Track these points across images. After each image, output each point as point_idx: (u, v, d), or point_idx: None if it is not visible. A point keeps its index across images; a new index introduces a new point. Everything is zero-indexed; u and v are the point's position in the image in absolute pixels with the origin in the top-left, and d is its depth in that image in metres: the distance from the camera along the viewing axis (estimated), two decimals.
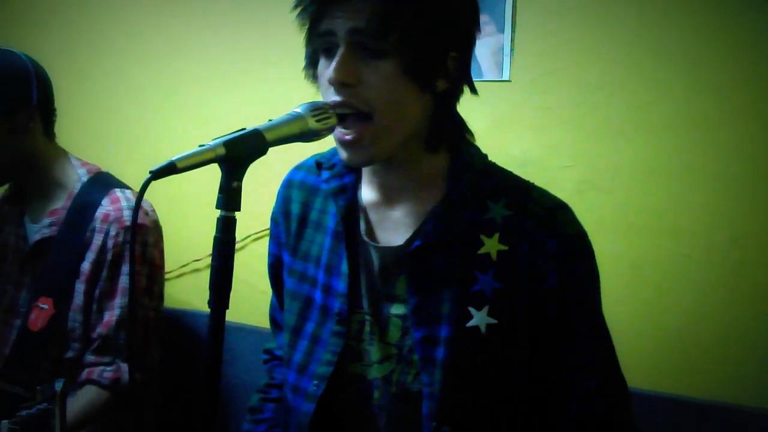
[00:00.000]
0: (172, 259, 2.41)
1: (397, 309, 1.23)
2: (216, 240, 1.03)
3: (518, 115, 1.96)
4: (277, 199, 1.42)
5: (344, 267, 1.26)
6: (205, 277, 2.38)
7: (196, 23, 2.45)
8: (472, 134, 1.28)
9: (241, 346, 2.21)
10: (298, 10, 1.18)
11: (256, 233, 2.33)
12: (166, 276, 2.44)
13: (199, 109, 2.45)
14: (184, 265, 2.44)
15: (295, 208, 1.37)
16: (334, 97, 1.13)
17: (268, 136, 1.06)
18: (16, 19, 2.79)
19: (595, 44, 1.88)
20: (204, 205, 2.35)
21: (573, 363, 1.18)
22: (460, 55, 1.18)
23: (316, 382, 1.25)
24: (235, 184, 1.02)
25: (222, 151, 1.00)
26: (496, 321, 1.16)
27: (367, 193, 1.29)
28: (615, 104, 1.87)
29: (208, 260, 2.38)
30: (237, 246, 2.30)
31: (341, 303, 1.25)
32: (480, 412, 1.17)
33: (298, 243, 1.35)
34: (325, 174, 1.32)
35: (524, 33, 1.94)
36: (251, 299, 2.29)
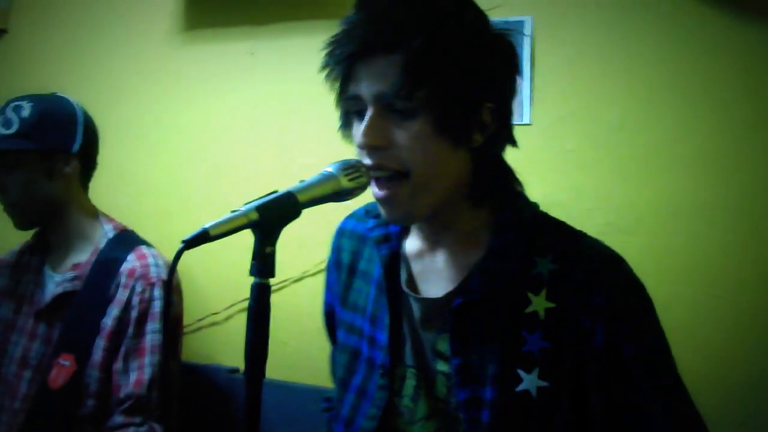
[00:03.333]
0: (189, 313, 2.39)
1: (441, 366, 1.18)
2: (250, 308, 1.01)
3: (540, 159, 1.94)
4: (331, 248, 1.40)
5: (386, 318, 1.22)
6: (223, 330, 2.37)
7: (210, 76, 2.45)
8: (520, 183, 1.23)
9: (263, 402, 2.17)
10: (326, 72, 1.15)
11: (280, 282, 2.30)
12: (184, 330, 2.41)
13: (215, 161, 2.44)
14: (200, 319, 2.40)
15: (345, 258, 1.35)
16: (366, 160, 1.11)
17: (301, 198, 1.04)
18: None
19: (614, 85, 1.87)
20: (219, 258, 2.34)
21: (646, 428, 1.09)
22: (496, 105, 1.14)
23: None
24: (268, 249, 1.00)
25: (255, 216, 0.98)
26: (547, 383, 1.09)
27: (411, 243, 1.26)
28: (636, 144, 1.85)
29: (226, 314, 2.36)
30: None
31: (384, 355, 1.22)
32: None
33: (347, 293, 1.33)
34: (371, 222, 1.30)
35: (543, 76, 1.93)
36: (271, 352, 2.27)
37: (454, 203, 1.16)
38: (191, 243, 0.93)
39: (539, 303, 1.11)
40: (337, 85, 1.15)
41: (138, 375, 1.79)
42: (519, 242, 1.15)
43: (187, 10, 2.47)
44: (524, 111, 1.91)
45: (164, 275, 1.88)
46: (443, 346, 1.17)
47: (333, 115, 2.19)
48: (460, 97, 1.09)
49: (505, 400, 1.10)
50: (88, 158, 1.96)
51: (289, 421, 2.12)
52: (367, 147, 1.10)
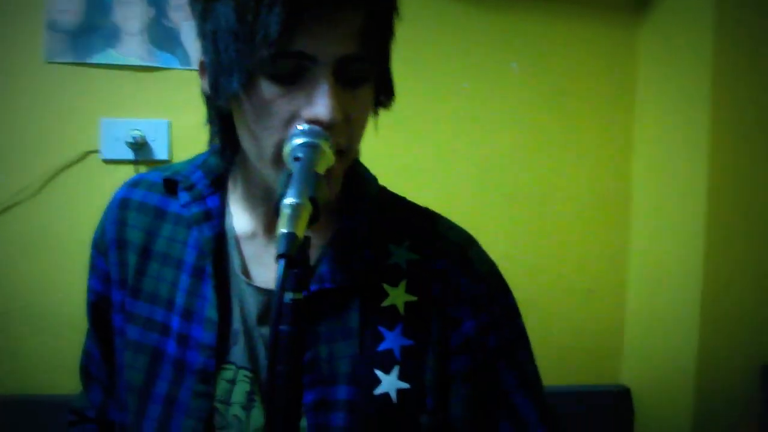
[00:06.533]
0: None
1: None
2: (284, 334, 0.74)
3: None
4: (103, 224, 1.10)
5: (211, 312, 1.00)
6: None
7: None
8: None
9: None
10: (249, 14, 0.86)
11: None
12: None
13: None
14: None
15: (135, 236, 1.07)
16: (308, 139, 0.87)
17: (322, 173, 0.83)
18: None
19: None
20: None
21: (513, 421, 1.02)
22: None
23: None
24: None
25: (309, 207, 0.78)
26: (408, 385, 0.98)
27: (240, 221, 1.05)
28: None
29: None
30: None
31: (207, 356, 1.00)
32: None
33: (140, 280, 1.06)
34: (184, 197, 1.05)
35: None
36: None
37: None
38: (292, 252, 0.72)
39: (398, 296, 1.00)
40: (269, 33, 0.86)
41: None
42: (370, 225, 1.03)
43: None
44: None
45: None
46: None
47: None
48: (390, 58, 0.97)
49: (362, 403, 0.97)
50: None
51: None
52: (332, 123, 0.87)
